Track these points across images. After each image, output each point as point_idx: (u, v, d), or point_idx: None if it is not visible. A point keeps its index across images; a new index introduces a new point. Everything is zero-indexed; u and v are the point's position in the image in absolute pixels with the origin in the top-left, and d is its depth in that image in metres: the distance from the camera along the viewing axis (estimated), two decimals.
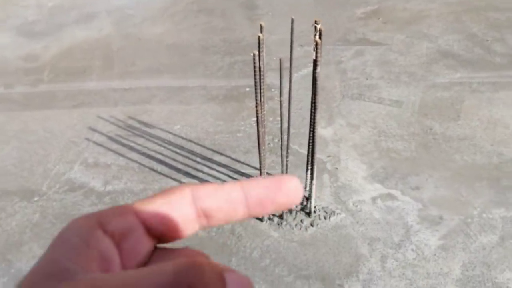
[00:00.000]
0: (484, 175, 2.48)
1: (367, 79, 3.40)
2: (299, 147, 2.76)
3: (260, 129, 1.95)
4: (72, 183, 2.58)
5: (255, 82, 1.85)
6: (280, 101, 1.99)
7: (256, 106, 1.89)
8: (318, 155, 2.29)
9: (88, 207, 2.41)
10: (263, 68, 1.88)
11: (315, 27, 1.92)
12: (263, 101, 1.95)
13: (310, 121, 2.18)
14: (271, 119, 3.00)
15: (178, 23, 4.38)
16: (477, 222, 2.20)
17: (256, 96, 1.88)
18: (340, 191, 2.43)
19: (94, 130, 3.00)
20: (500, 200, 2.31)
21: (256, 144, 2.80)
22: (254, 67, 1.79)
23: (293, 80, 3.48)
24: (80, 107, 3.24)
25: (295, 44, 3.92)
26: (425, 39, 3.90)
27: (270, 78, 3.46)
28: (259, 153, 2.06)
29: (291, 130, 2.94)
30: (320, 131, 2.90)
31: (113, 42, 4.09)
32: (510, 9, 4.31)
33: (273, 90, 3.32)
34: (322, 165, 2.60)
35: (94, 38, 4.16)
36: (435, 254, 2.07)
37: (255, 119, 3.04)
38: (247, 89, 3.34)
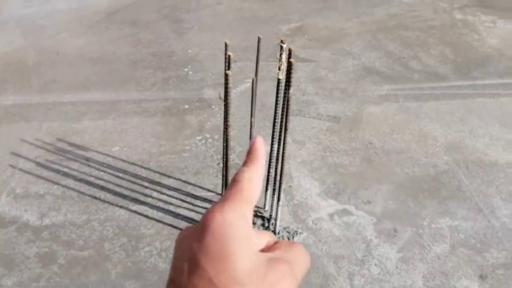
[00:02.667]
0: (425, 187, 2.64)
1: (303, 95, 3.47)
2: None
3: (228, 152, 1.87)
4: (1, 218, 2.25)
5: (226, 103, 1.77)
6: (251, 122, 1.92)
7: (226, 128, 1.81)
8: (271, 171, 2.26)
9: (24, 245, 2.11)
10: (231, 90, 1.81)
11: (281, 46, 1.89)
12: (229, 124, 1.88)
13: (273, 139, 2.15)
14: (216, 137, 2.92)
15: (100, 35, 4.09)
16: (428, 233, 2.34)
17: (225, 118, 1.80)
18: (298, 209, 2.43)
19: (19, 156, 2.65)
20: (444, 210, 2.48)
21: (205, 165, 2.71)
22: (226, 88, 1.71)
23: (232, 96, 3.43)
24: None
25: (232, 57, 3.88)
26: (349, 57, 4.10)
27: (208, 95, 3.37)
28: (224, 181, 1.97)
29: (238, 148, 2.89)
30: (266, 148, 2.89)
31: (27, 56, 3.69)
32: (418, 28, 4.72)
33: (213, 107, 3.23)
34: (277, 182, 2.58)
35: (4, 52, 3.71)
36: (397, 267, 2.15)
37: (200, 137, 2.94)
38: (186, 106, 3.22)
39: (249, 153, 0.51)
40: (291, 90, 1.82)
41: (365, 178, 2.68)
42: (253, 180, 0.48)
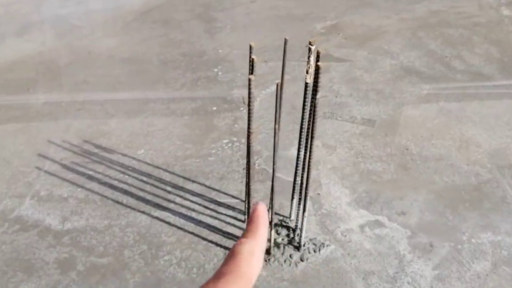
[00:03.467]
0: (466, 197, 2.44)
1: (336, 96, 3.32)
2: (277, 171, 2.59)
3: (250, 160, 1.76)
4: (24, 221, 2.24)
5: (249, 108, 1.66)
6: (275, 129, 1.81)
7: (249, 136, 1.70)
8: (297, 179, 2.14)
9: (45, 250, 2.09)
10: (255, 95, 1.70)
11: (309, 48, 1.77)
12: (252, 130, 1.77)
13: (300, 145, 2.03)
14: (243, 140, 2.82)
15: (132, 35, 4.09)
16: (468, 249, 2.15)
17: (248, 125, 1.69)
18: (326, 219, 2.30)
19: (45, 158, 2.66)
20: (486, 223, 2.28)
21: (231, 170, 2.61)
22: (249, 93, 1.61)
23: (262, 97, 3.33)
24: (27, 130, 2.88)
25: (258, 59, 3.78)
26: (387, 56, 3.90)
27: (237, 96, 3.28)
28: (247, 188, 1.86)
29: (265, 153, 2.78)
30: (294, 152, 2.76)
31: (59, 56, 3.72)
32: (462, 25, 4.44)
33: (241, 109, 3.13)
34: (303, 190, 2.45)
35: (38, 52, 3.77)
36: (432, 286, 1.98)
37: (226, 141, 2.85)
38: (214, 108, 3.14)
39: (250, 222, 0.48)
40: (319, 95, 1.69)
41: (400, 186, 2.51)
42: (254, 254, 0.45)
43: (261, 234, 0.46)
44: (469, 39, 4.16)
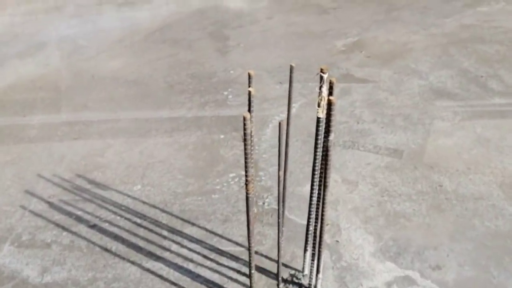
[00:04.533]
0: None
1: (358, 122, 2.98)
2: (288, 212, 2.27)
3: (250, 213, 1.44)
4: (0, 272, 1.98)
5: (245, 150, 1.35)
6: (279, 176, 1.49)
7: (247, 185, 1.39)
8: (310, 227, 1.81)
9: None
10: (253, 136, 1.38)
11: (321, 77, 1.45)
12: (253, 176, 1.45)
13: (313, 186, 1.70)
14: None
15: (139, 56, 3.85)
16: None
17: (246, 172, 1.38)
18: (346, 274, 1.94)
19: (32, 195, 2.40)
20: None
21: (236, 210, 2.30)
22: (245, 134, 1.30)
23: (275, 123, 3.02)
24: (16, 163, 2.64)
25: (272, 81, 3.49)
26: (414, 75, 3.54)
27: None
28: (249, 243, 1.54)
29: (275, 190, 2.45)
30: (309, 188, 2.43)
31: (61, 79, 3.51)
32: (498, 41, 4.05)
33: (252, 137, 2.82)
34: (316, 239, 2.11)
35: (40, 74, 3.57)
36: None
37: (233, 175, 2.54)
38: (222, 136, 2.85)
39: None
40: (331, 137, 1.37)
41: (434, 233, 2.14)
42: None
43: None
44: (506, 57, 3.77)
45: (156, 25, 4.51)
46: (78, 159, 2.66)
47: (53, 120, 3.03)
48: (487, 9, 4.81)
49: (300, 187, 2.44)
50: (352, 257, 2.03)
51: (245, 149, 1.36)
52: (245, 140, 1.33)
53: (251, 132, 1.35)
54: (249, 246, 1.52)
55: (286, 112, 3.05)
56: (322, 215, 1.52)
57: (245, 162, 1.39)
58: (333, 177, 2.49)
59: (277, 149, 2.70)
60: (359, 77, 3.52)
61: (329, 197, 2.20)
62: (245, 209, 2.30)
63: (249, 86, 1.48)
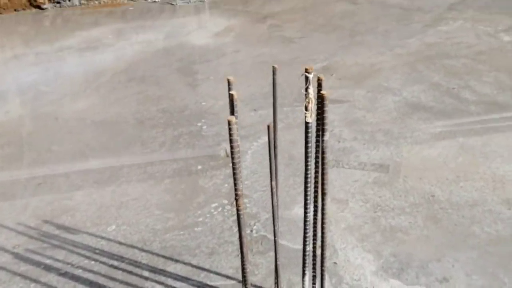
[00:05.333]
0: None
1: (339, 141, 2.89)
2: (280, 237, 2.10)
3: (243, 233, 1.28)
4: None
5: (233, 163, 1.21)
6: (271, 187, 1.35)
7: (237, 200, 1.24)
8: (307, 248, 1.65)
9: None
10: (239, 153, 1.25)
11: (306, 77, 1.35)
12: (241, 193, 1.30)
13: (306, 205, 1.56)
14: (235, 203, 2.34)
15: (105, 96, 3.70)
16: None
17: (235, 184, 1.23)
18: None
19: None
20: None
21: (223, 241, 2.11)
22: (231, 140, 1.16)
23: (254, 149, 2.89)
24: None
25: (246, 109, 3.39)
26: (388, 93, 3.53)
27: (225, 151, 2.84)
28: (243, 267, 1.37)
29: (263, 215, 2.29)
30: (298, 212, 2.29)
31: (22, 125, 3.30)
32: (463, 55, 4.13)
33: (228, 156, 2.68)
34: (316, 259, 1.95)
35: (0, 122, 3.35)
36: None
37: (215, 205, 2.37)
38: (199, 167, 2.69)
39: None
40: (327, 136, 1.25)
41: (435, 244, 2.01)
42: None
43: None
44: (474, 69, 3.83)
45: (121, 65, 4.39)
46: (44, 205, 2.43)
47: (14, 167, 2.81)
48: (447, 28, 4.94)
49: (289, 211, 2.29)
50: (353, 278, 1.87)
51: (232, 159, 1.22)
52: (232, 148, 1.19)
53: (237, 139, 1.21)
54: (244, 271, 1.35)
55: (264, 137, 2.94)
56: (322, 225, 1.38)
57: (234, 174, 1.25)
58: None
59: (258, 175, 2.58)
60: (333, 98, 3.47)
61: (326, 221, 2.07)
62: (231, 239, 2.13)
63: (229, 92, 1.36)
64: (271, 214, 2.28)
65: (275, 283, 1.76)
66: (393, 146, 2.79)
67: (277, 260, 1.67)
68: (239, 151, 1.21)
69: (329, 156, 2.72)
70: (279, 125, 3.11)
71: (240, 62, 4.39)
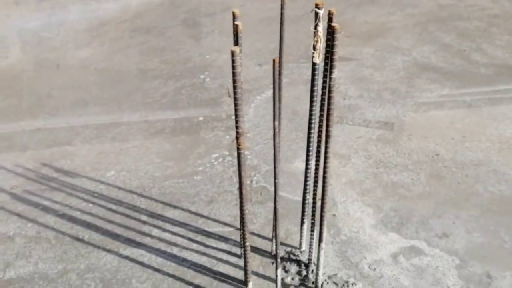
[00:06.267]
0: None
1: (344, 98, 2.83)
2: (280, 189, 2.07)
3: (243, 172, 1.25)
4: None
5: (235, 100, 1.16)
6: (274, 127, 1.30)
7: (238, 138, 1.19)
8: (307, 196, 1.63)
9: None
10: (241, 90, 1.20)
11: (316, 13, 1.29)
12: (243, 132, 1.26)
13: (309, 154, 1.52)
14: (235, 154, 2.31)
15: (109, 45, 3.62)
16: None
17: (236, 123, 1.18)
18: (347, 248, 1.77)
19: None
20: None
21: (222, 190, 2.10)
22: (234, 73, 1.11)
23: (257, 103, 2.84)
24: None
25: (251, 63, 3.31)
26: (397, 52, 3.43)
27: (228, 103, 2.79)
28: (241, 208, 1.34)
29: (264, 167, 2.27)
30: (299, 165, 2.26)
31: (22, 71, 3.25)
32: (476, 18, 3.99)
33: (233, 117, 2.63)
34: (316, 207, 1.93)
35: (1, 67, 3.29)
36: None
37: (216, 155, 2.34)
38: (201, 118, 2.64)
39: None
40: (335, 74, 1.20)
41: (436, 201, 1.99)
42: None
43: None
44: (487, 31, 3.70)
45: (126, 15, 4.28)
46: (43, 149, 2.41)
47: (14, 112, 2.77)
48: None
49: (289, 164, 2.26)
50: (352, 230, 1.85)
51: (235, 94, 1.17)
52: (234, 82, 1.14)
53: (240, 73, 1.16)
54: (242, 217, 1.33)
55: (268, 91, 2.89)
56: (325, 172, 1.35)
57: (235, 111, 1.20)
58: (322, 152, 2.32)
59: (260, 128, 2.53)
60: (341, 55, 3.38)
61: (320, 172, 2.04)
62: (231, 188, 2.11)
63: (234, 23, 1.30)
64: (271, 166, 2.25)
65: (273, 232, 1.75)
66: (399, 105, 2.73)
67: (276, 208, 1.65)
68: (241, 86, 1.16)
69: (333, 112, 2.67)
70: (284, 80, 3.04)
71: (246, 16, 4.26)
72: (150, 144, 2.43)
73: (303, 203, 1.64)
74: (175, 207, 1.99)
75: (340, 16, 4.20)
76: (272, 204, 1.83)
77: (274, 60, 1.17)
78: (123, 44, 3.67)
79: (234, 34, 1.23)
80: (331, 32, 1.15)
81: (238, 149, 1.23)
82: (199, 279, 1.65)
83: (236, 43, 1.21)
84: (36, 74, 3.20)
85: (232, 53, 1.09)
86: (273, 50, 3.44)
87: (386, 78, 3.05)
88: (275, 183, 1.41)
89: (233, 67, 1.11)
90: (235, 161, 2.25)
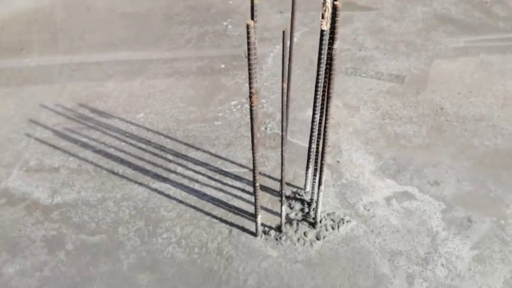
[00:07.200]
0: (510, 163, 2.10)
1: (360, 50, 2.94)
2: (290, 136, 2.30)
3: (254, 125, 1.47)
4: (11, 195, 2.03)
5: (249, 63, 1.35)
6: (282, 88, 1.50)
7: (250, 97, 1.40)
8: (313, 145, 1.84)
9: (31, 227, 1.88)
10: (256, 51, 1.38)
11: None
12: (257, 91, 1.46)
13: (315, 108, 1.72)
14: None
15: None
16: None
17: (250, 83, 1.38)
18: (346, 190, 2.00)
19: (36, 123, 2.42)
20: None
21: (239, 135, 2.33)
22: (249, 44, 1.29)
23: (276, 52, 2.98)
24: (18, 94, 2.64)
25: (272, 10, 3.41)
26: (418, 2, 3.46)
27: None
28: (253, 154, 1.57)
29: (278, 115, 2.47)
30: (311, 114, 2.45)
31: (55, 13, 3.43)
32: None
33: (246, 56, 2.80)
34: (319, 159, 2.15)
35: (32, 8, 3.48)
36: (470, 269, 1.69)
37: (235, 102, 2.55)
38: (222, 66, 2.82)
39: None
40: (336, 45, 1.36)
41: (434, 152, 2.18)
42: None
43: None
44: None
45: None
46: (79, 90, 2.65)
47: (51, 53, 3.00)
48: None
49: (302, 113, 2.45)
50: (353, 175, 2.08)
51: (248, 59, 1.35)
52: (249, 50, 1.32)
53: (255, 43, 1.34)
54: (254, 162, 1.56)
55: (287, 42, 3.01)
56: (326, 126, 1.55)
57: (249, 74, 1.39)
58: (335, 102, 2.50)
59: (278, 77, 2.71)
60: (361, 5, 3.44)
61: (330, 121, 2.24)
62: (247, 134, 2.34)
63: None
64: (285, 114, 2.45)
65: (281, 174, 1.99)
66: (413, 58, 2.84)
67: (283, 155, 1.87)
68: (255, 53, 1.34)
69: (348, 64, 2.81)
70: (303, 29, 3.16)
71: None
72: (175, 89, 2.64)
73: (309, 151, 1.86)
74: (197, 148, 2.24)
75: None
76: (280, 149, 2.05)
77: (284, 32, 1.34)
78: None
79: (251, 7, 1.38)
80: (333, 9, 1.29)
81: (250, 106, 1.44)
82: (216, 211, 1.92)
83: (252, 17, 1.37)
84: (68, 16, 3.38)
85: (248, 26, 1.26)
86: None
87: (404, 30, 3.13)
88: (282, 135, 1.62)
89: (248, 38, 1.29)
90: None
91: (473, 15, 3.25)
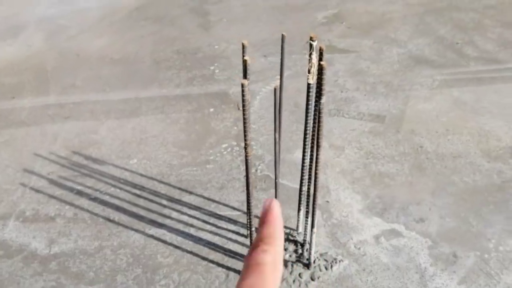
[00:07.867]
0: (489, 199, 2.23)
1: (342, 91, 3.10)
2: (281, 177, 2.39)
3: (249, 174, 1.55)
4: (8, 246, 2.05)
5: (244, 117, 1.45)
6: (275, 138, 1.60)
7: (246, 148, 1.49)
8: (303, 188, 1.93)
9: (30, 279, 1.90)
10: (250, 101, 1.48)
11: (311, 45, 1.55)
12: (250, 142, 1.56)
13: (305, 149, 1.82)
14: (242, 144, 2.61)
15: (122, 34, 3.87)
16: (496, 258, 1.94)
17: (245, 135, 1.48)
18: (337, 230, 2.09)
19: (31, 173, 2.46)
20: None
21: (231, 178, 2.41)
22: (243, 100, 1.40)
23: (261, 96, 3.11)
24: (11, 143, 2.68)
25: (257, 54, 3.56)
26: (393, 44, 3.67)
27: (236, 95, 3.07)
28: (248, 200, 1.65)
29: (267, 157, 2.57)
30: (299, 155, 2.56)
31: (46, 59, 3.52)
32: (472, 9, 4.19)
33: (241, 108, 2.92)
34: (309, 198, 2.25)
35: (23, 56, 3.56)
36: None
37: (225, 145, 2.64)
38: (211, 110, 2.93)
39: (265, 223, 0.43)
40: (323, 100, 1.48)
41: (416, 190, 2.30)
42: (277, 265, 0.40)
43: (281, 239, 0.42)
44: (480, 23, 3.92)
45: (137, 3, 4.50)
46: (72, 137, 2.71)
47: (42, 101, 3.06)
48: None
49: (290, 154, 2.56)
50: (342, 214, 2.17)
51: (243, 115, 1.46)
52: (244, 106, 1.43)
53: (248, 99, 1.44)
54: (248, 204, 1.64)
55: (272, 84, 3.15)
56: (316, 173, 1.64)
57: (244, 127, 1.49)
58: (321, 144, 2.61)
59: (265, 120, 2.82)
60: (341, 47, 3.62)
61: (319, 167, 2.34)
62: (238, 176, 2.42)
63: (243, 56, 1.56)
64: (273, 156, 2.55)
65: None
66: (391, 98, 3.00)
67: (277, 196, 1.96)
68: (249, 108, 1.45)
69: (331, 105, 2.95)
70: (287, 73, 3.30)
71: (252, 5, 4.47)
72: (166, 134, 2.73)
73: (300, 193, 1.95)
74: (191, 192, 2.31)
75: (343, 5, 4.41)
76: (274, 191, 2.14)
77: (275, 88, 1.45)
78: (136, 33, 3.91)
79: (244, 68, 1.50)
80: (319, 69, 1.41)
81: (246, 156, 1.53)
82: (212, 255, 1.98)
83: (244, 76, 1.48)
84: (59, 63, 3.47)
85: (242, 85, 1.37)
86: (278, 41, 3.67)
87: (381, 71, 3.31)
88: (275, 182, 1.71)
89: (243, 95, 1.40)
90: (242, 151, 2.55)
91: (445, 55, 3.46)
